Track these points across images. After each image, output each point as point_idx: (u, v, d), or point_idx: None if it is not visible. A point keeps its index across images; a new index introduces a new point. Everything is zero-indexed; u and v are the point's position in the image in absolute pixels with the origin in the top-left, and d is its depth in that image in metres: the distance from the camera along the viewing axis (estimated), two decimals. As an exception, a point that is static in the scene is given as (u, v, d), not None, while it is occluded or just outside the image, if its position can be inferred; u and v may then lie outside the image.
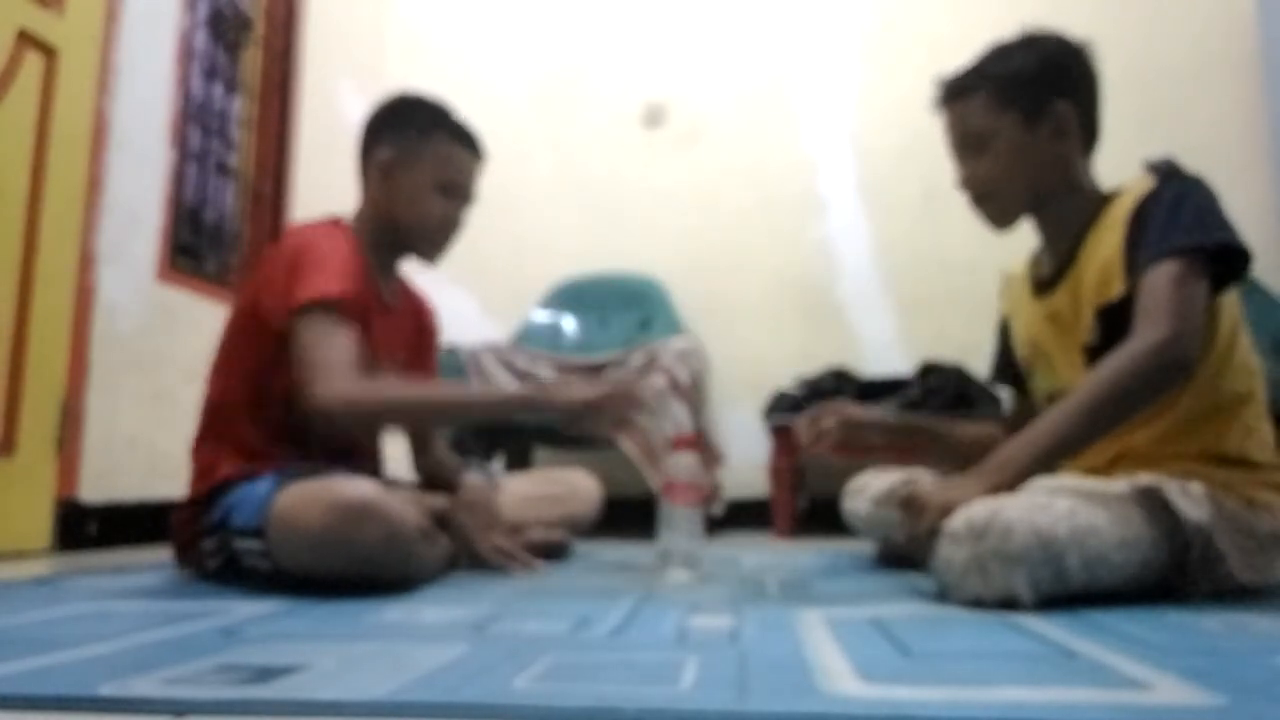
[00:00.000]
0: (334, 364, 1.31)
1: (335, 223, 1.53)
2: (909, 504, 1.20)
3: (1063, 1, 3.26)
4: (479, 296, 3.38)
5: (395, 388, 1.44)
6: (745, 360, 3.15)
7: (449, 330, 3.11)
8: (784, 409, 2.80)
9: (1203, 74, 3.08)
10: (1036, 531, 1.05)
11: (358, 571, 1.22)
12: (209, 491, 1.38)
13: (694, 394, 2.74)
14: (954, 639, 0.89)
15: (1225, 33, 3.10)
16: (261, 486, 1.30)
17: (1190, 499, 1.14)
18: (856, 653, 0.81)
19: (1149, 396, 1.14)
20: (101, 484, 2.14)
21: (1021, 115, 1.27)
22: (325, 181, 3.15)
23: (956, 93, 1.32)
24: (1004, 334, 1.51)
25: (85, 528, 2.09)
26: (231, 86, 2.89)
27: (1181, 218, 1.16)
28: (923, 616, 1.03)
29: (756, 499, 2.88)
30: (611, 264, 3.27)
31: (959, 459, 1.46)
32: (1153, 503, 1.14)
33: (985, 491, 1.12)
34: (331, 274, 1.37)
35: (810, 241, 3.27)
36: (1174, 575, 1.14)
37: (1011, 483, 1.14)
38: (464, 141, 1.57)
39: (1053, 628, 0.94)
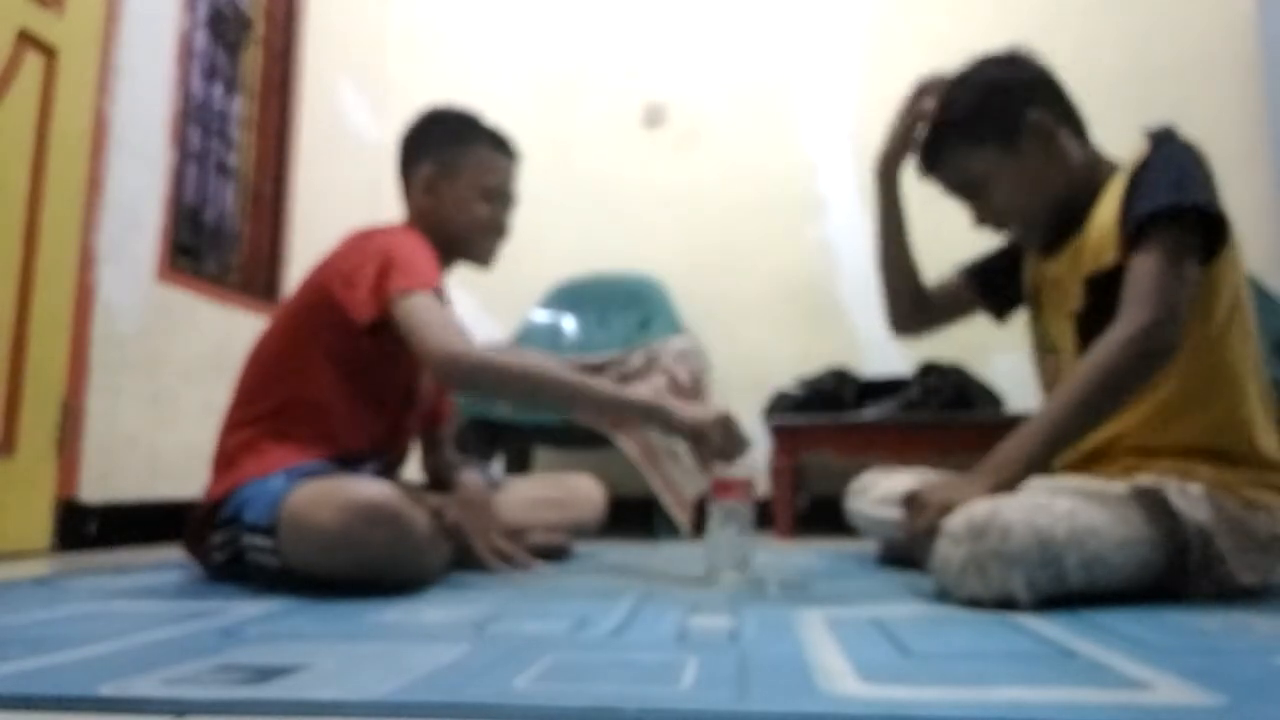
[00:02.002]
0: (452, 328, 1.35)
1: (410, 229, 1.55)
2: (910, 501, 1.21)
3: (1062, 2, 3.27)
4: (479, 296, 3.38)
5: (519, 356, 1.46)
6: (745, 360, 3.15)
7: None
8: (784, 409, 2.80)
9: (1203, 73, 3.08)
10: (1035, 532, 1.05)
11: (366, 573, 1.22)
12: (231, 489, 1.38)
13: (694, 394, 2.74)
14: (954, 639, 0.89)
15: (1225, 32, 3.10)
16: (274, 483, 1.30)
17: (1190, 500, 1.14)
18: (856, 653, 0.81)
19: (1136, 382, 1.16)
20: (101, 484, 2.14)
21: (998, 143, 1.28)
22: (325, 181, 3.16)
23: (932, 161, 1.36)
24: (1014, 253, 1.51)
25: (85, 528, 2.09)
26: (231, 86, 2.89)
27: (1163, 181, 1.17)
28: (923, 616, 1.03)
29: (756, 499, 2.88)
30: (611, 264, 3.27)
31: (889, 262, 1.58)
32: (1152, 504, 1.14)
33: (986, 491, 1.13)
34: (428, 268, 1.41)
35: (810, 241, 3.27)
36: (1174, 576, 1.14)
37: (1012, 481, 1.14)
38: (500, 147, 1.62)
39: (1052, 627, 0.94)
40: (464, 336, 1.36)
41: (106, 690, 0.69)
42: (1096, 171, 1.31)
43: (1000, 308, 1.55)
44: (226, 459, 1.42)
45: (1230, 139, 2.97)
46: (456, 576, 1.42)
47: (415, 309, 1.35)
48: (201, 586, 1.33)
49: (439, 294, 1.39)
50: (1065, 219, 1.33)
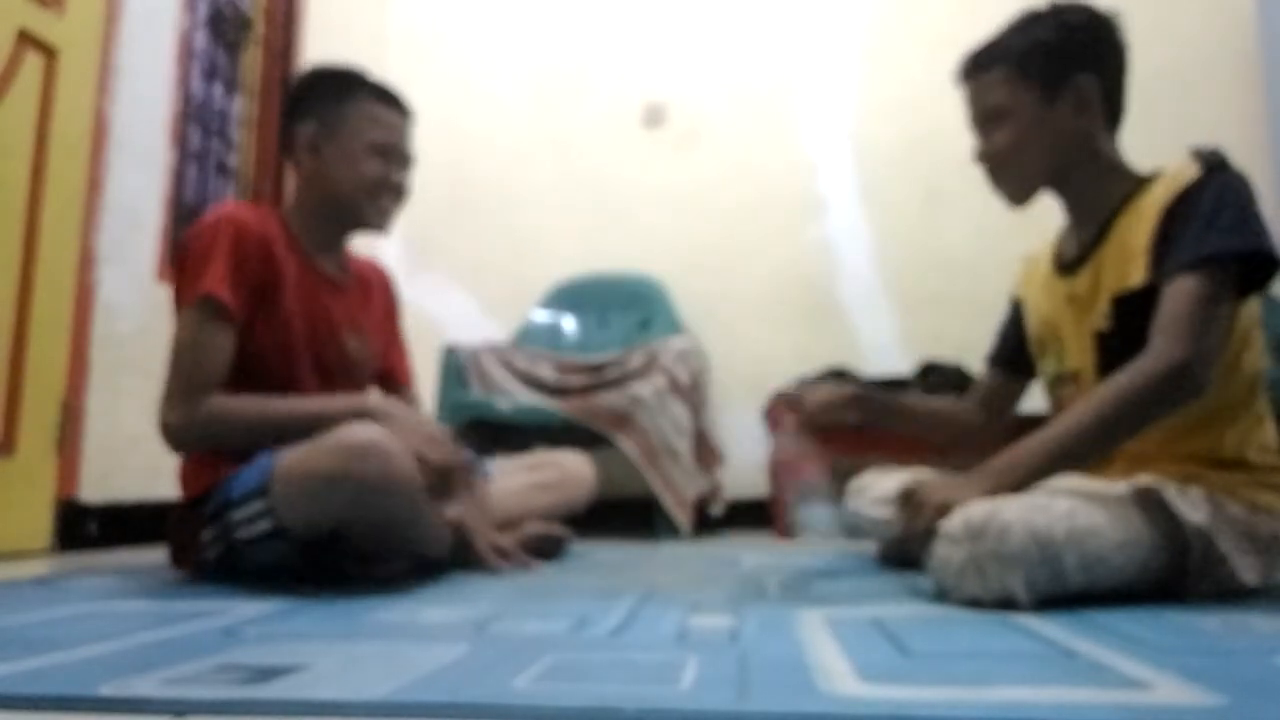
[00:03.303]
0: (179, 384, 1.35)
1: (242, 207, 1.49)
2: (908, 499, 1.21)
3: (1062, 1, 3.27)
4: (479, 296, 3.38)
5: (230, 410, 1.36)
6: (745, 360, 3.15)
7: (449, 330, 3.13)
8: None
9: (1203, 74, 3.08)
10: (1034, 532, 1.05)
11: (360, 517, 1.23)
12: (205, 491, 1.39)
13: (694, 394, 2.74)
14: (954, 639, 0.89)
15: (1225, 33, 3.10)
16: (260, 461, 1.31)
17: (1190, 501, 1.14)
18: (856, 653, 0.81)
19: (1157, 416, 1.13)
20: (101, 484, 2.14)
21: (1040, 89, 1.24)
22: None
23: (977, 66, 1.30)
24: (1015, 316, 1.49)
25: (85, 528, 2.09)
26: (231, 86, 2.89)
27: (1221, 220, 1.12)
28: (923, 616, 1.03)
29: (756, 499, 2.88)
30: (611, 264, 3.27)
31: (921, 431, 1.53)
32: (1152, 505, 1.14)
33: (984, 493, 1.12)
34: (205, 273, 1.36)
35: (810, 241, 3.27)
36: (1174, 577, 1.13)
37: (1012, 487, 1.13)
38: (387, 100, 1.53)
39: (1052, 627, 0.94)
40: (183, 395, 1.33)
41: (106, 690, 0.69)
42: (1119, 176, 1.27)
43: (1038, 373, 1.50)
44: (197, 460, 1.44)
45: (1230, 139, 2.96)
46: (456, 576, 1.42)
47: (176, 337, 1.36)
48: (201, 587, 1.33)
49: (212, 302, 1.34)
50: (1085, 225, 1.30)
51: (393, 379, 1.73)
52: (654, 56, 3.47)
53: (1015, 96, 1.26)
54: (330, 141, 1.49)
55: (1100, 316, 1.24)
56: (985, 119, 1.30)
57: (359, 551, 1.33)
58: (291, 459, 1.26)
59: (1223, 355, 1.17)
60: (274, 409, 1.37)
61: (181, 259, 1.40)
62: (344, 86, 1.51)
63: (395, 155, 1.52)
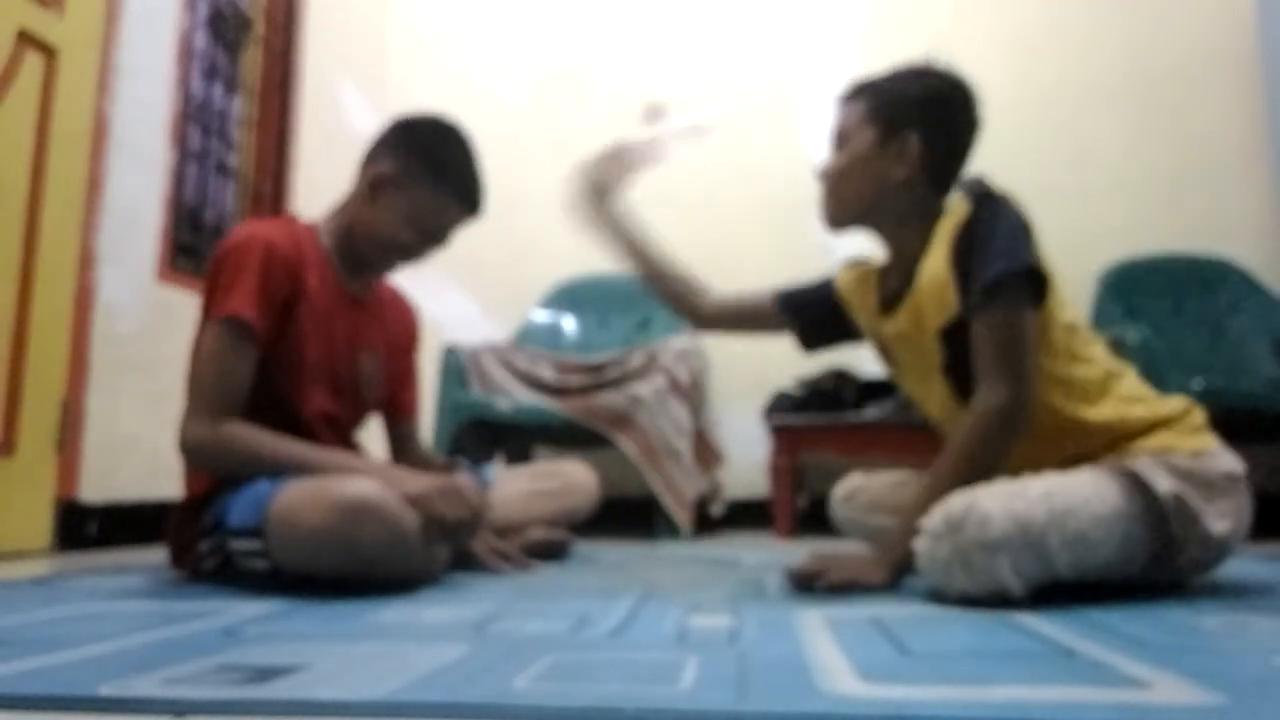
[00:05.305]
0: (202, 399, 1.34)
1: (278, 222, 1.50)
2: (810, 576, 1.23)
3: (1061, 3, 3.27)
4: (479, 296, 3.38)
5: (245, 442, 1.34)
6: (745, 360, 3.15)
7: (449, 330, 3.13)
8: (784, 409, 2.80)
9: (1203, 74, 3.08)
10: (1014, 516, 1.06)
11: (357, 570, 1.22)
12: (206, 492, 1.39)
13: (694, 394, 2.74)
14: (953, 638, 0.89)
15: (1225, 33, 3.10)
16: (260, 487, 1.30)
17: (1151, 471, 1.15)
18: (856, 652, 0.81)
19: (1002, 450, 1.21)
20: (101, 484, 2.14)
21: (879, 131, 1.33)
22: (325, 181, 3.16)
23: (850, 94, 1.40)
24: (832, 300, 1.54)
25: (85, 528, 2.09)
26: (231, 86, 2.89)
27: (995, 246, 1.21)
28: (922, 616, 1.03)
29: (756, 499, 2.88)
30: (611, 264, 3.26)
31: (658, 285, 1.71)
32: (1125, 478, 1.15)
33: (885, 574, 1.19)
34: (234, 291, 1.36)
35: (810, 241, 3.26)
36: (1159, 548, 1.14)
37: (903, 555, 1.18)
38: (463, 198, 1.55)
39: (1051, 626, 0.94)
40: (207, 409, 1.33)
41: (106, 690, 0.69)
42: (926, 227, 1.33)
43: (810, 341, 1.60)
44: (194, 472, 1.43)
45: (1230, 139, 2.97)
46: (456, 576, 1.42)
47: (199, 349, 1.37)
48: (201, 587, 1.33)
49: (238, 323, 1.35)
50: (899, 268, 1.37)
51: (397, 408, 1.73)
52: (654, 56, 3.47)
53: (858, 129, 1.35)
54: (392, 196, 1.50)
55: (935, 354, 1.31)
56: (835, 140, 1.40)
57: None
58: (287, 506, 1.24)
59: (1052, 352, 1.23)
60: (288, 455, 1.34)
61: (213, 273, 1.40)
62: (440, 166, 1.52)
63: (432, 236, 1.55)
